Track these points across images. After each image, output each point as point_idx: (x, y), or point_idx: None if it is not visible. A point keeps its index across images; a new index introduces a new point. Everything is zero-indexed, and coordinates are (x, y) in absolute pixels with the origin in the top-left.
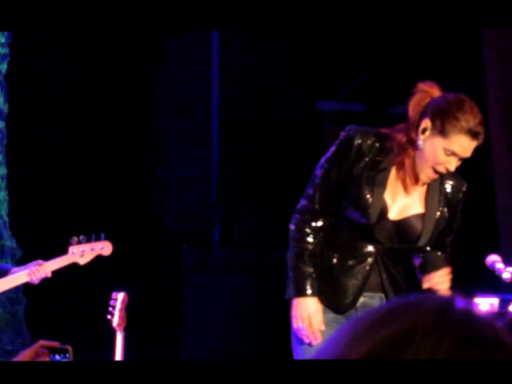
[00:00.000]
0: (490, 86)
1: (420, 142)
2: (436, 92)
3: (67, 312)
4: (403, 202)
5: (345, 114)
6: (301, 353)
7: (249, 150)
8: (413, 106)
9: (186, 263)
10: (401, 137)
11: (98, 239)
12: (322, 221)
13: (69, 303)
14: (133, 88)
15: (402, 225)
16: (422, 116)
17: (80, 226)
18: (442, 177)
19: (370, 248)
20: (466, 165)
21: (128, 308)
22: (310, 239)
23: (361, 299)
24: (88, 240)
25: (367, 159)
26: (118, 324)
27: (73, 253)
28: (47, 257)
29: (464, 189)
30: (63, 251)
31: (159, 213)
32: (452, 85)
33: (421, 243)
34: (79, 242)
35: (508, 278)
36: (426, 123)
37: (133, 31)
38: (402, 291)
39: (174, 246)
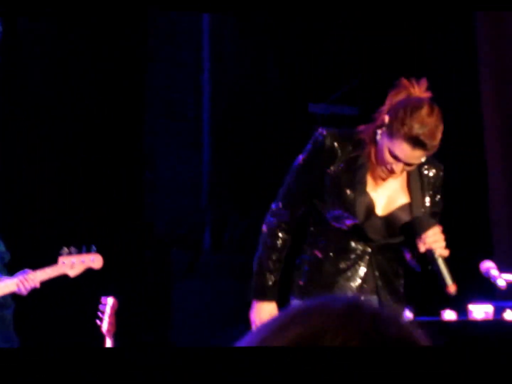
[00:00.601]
0: (485, 106)
1: (378, 137)
2: (416, 91)
3: (56, 316)
4: (386, 196)
5: (337, 117)
6: None
7: (240, 153)
8: (389, 99)
9: (176, 267)
10: (371, 129)
11: (89, 251)
12: (296, 225)
13: (58, 307)
14: (122, 90)
15: (391, 219)
16: (387, 111)
17: (70, 228)
18: (419, 164)
19: (363, 248)
20: (461, 171)
21: (118, 313)
22: (280, 245)
23: None
24: (79, 252)
25: (342, 158)
26: (107, 330)
27: (63, 263)
28: (36, 262)
29: (442, 173)
30: (52, 259)
31: (148, 216)
32: (446, 91)
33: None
34: (70, 253)
35: (503, 285)
36: (385, 119)
37: (122, 30)
38: (396, 294)
39: (163, 250)
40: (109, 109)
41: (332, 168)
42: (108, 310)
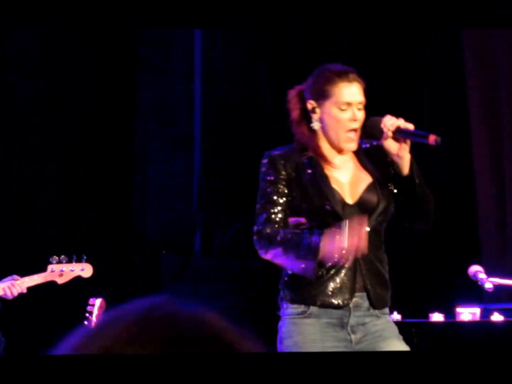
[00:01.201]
0: (472, 104)
1: (316, 123)
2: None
3: (43, 317)
4: (348, 184)
5: None
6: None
7: (231, 157)
8: (292, 108)
9: (166, 271)
10: (302, 130)
11: (79, 260)
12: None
13: (46, 308)
14: (113, 95)
15: (363, 203)
16: (302, 105)
17: (60, 231)
18: (358, 147)
19: None
20: (449, 176)
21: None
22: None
23: (354, 299)
24: (69, 261)
25: (294, 168)
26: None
27: (52, 271)
28: (25, 268)
29: (375, 142)
30: (42, 265)
31: (139, 220)
32: (433, 91)
33: (381, 206)
34: (59, 262)
35: (490, 288)
36: (310, 104)
37: (114, 36)
38: (383, 282)
39: (154, 253)
40: (100, 114)
41: (292, 180)
42: (96, 311)
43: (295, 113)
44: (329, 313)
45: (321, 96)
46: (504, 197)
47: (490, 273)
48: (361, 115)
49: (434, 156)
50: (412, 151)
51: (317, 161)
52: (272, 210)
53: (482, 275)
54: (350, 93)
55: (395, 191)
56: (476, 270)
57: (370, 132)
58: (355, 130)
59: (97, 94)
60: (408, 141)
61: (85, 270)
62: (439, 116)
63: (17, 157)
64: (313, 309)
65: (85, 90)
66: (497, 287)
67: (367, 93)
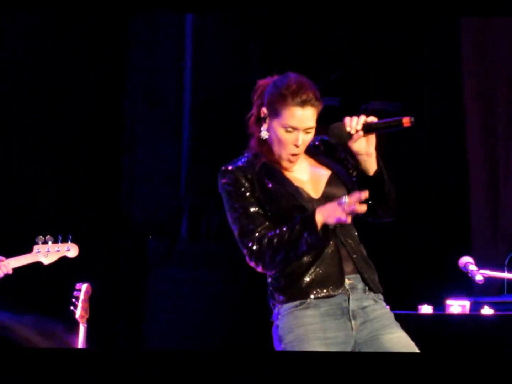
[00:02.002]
0: (467, 95)
1: (264, 132)
2: (274, 78)
3: (30, 303)
4: (309, 180)
5: None
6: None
7: (220, 141)
8: (254, 101)
9: (152, 255)
10: (255, 137)
11: (65, 240)
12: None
13: (32, 293)
14: (102, 76)
15: (328, 196)
16: (259, 108)
17: (46, 214)
18: (314, 145)
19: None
20: (442, 166)
21: (92, 300)
22: (273, 231)
23: (348, 282)
24: (55, 241)
25: (254, 176)
26: (81, 316)
27: (38, 252)
28: (10, 250)
29: (326, 137)
30: (27, 247)
31: (125, 203)
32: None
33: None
34: (45, 242)
35: (481, 280)
36: (263, 112)
37: (103, 15)
38: (367, 262)
39: (140, 238)
40: (88, 95)
41: (256, 189)
42: (82, 296)
43: (254, 110)
44: (327, 301)
45: (272, 111)
46: (497, 189)
47: (481, 265)
48: (308, 138)
49: (427, 149)
50: (403, 143)
51: (273, 166)
52: (254, 223)
53: (472, 267)
54: (299, 118)
55: (354, 178)
56: (466, 261)
57: (336, 140)
58: (295, 154)
59: (85, 75)
60: (374, 135)
61: (70, 250)
62: (434, 107)
63: (2, 137)
64: (310, 300)
65: (73, 71)
66: (488, 280)
67: (326, 114)
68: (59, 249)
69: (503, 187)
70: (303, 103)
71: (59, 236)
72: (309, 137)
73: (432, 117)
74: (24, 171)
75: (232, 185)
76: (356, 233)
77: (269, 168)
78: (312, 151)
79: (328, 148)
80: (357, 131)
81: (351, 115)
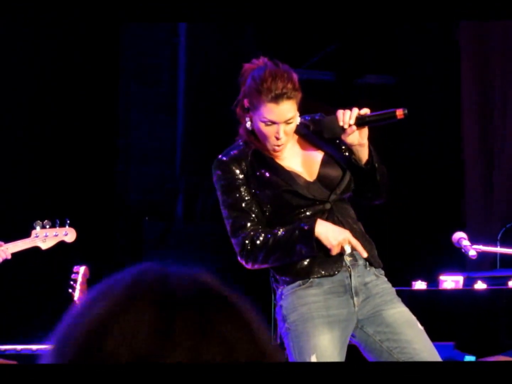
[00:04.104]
0: (464, 86)
1: (249, 123)
2: (259, 63)
3: (28, 286)
4: (301, 163)
5: (313, 83)
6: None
7: (215, 121)
8: (241, 91)
9: (148, 236)
10: (243, 125)
11: (62, 225)
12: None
13: (30, 277)
14: (95, 55)
15: (323, 177)
16: (243, 98)
17: (43, 196)
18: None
19: (321, 208)
20: (436, 144)
21: (90, 282)
22: (269, 233)
23: (348, 258)
24: (53, 226)
25: (247, 165)
26: (79, 298)
27: (36, 236)
28: (8, 235)
29: (317, 117)
30: (25, 234)
31: (121, 185)
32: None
33: (345, 180)
34: (43, 227)
35: (474, 256)
36: (245, 103)
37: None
38: (366, 237)
39: (136, 219)
40: (82, 74)
41: (249, 177)
42: (80, 278)
43: (241, 96)
44: (329, 279)
45: (251, 105)
46: (490, 166)
47: (474, 240)
48: (290, 128)
49: (421, 128)
50: (397, 122)
51: (264, 153)
52: (247, 218)
53: (466, 242)
54: (276, 113)
55: (347, 154)
56: (460, 236)
57: (330, 134)
58: (279, 146)
59: (79, 55)
60: (366, 126)
61: (68, 235)
62: (429, 85)
63: None
64: (312, 279)
65: (67, 53)
66: (481, 255)
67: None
68: (57, 233)
69: (496, 164)
70: (277, 98)
71: (57, 221)
72: (291, 127)
73: (427, 95)
74: (21, 156)
75: (226, 178)
76: (352, 211)
77: (261, 156)
78: (301, 131)
79: (317, 123)
80: (350, 125)
81: (345, 89)
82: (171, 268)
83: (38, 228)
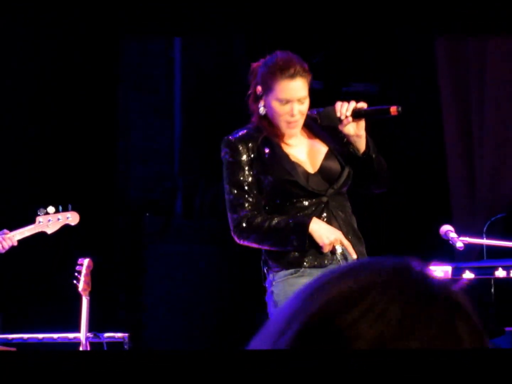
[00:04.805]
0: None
1: (262, 108)
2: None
3: (33, 277)
4: (306, 155)
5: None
6: None
7: (210, 122)
8: (251, 83)
9: (149, 232)
10: (255, 109)
11: (65, 210)
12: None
13: (35, 269)
14: (96, 63)
15: (324, 170)
16: (255, 87)
17: (45, 195)
18: (307, 118)
19: (317, 200)
20: (419, 136)
21: (93, 273)
22: (266, 218)
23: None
24: (56, 211)
25: (254, 148)
26: (83, 289)
27: (40, 222)
28: (13, 226)
29: (321, 109)
30: (29, 221)
31: (122, 183)
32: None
33: (344, 174)
34: (47, 213)
35: (462, 247)
36: (259, 90)
37: (95, 5)
38: (358, 236)
39: (137, 215)
40: (84, 80)
41: (254, 160)
42: (84, 270)
43: (251, 89)
44: (320, 270)
45: (265, 87)
46: (472, 161)
47: (460, 232)
48: (303, 108)
49: (404, 123)
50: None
51: (273, 140)
52: (247, 198)
53: (453, 235)
54: (290, 90)
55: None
56: (447, 229)
57: (328, 123)
58: (294, 122)
59: (80, 62)
60: (363, 119)
61: (71, 218)
62: (409, 84)
63: (3, 112)
64: (304, 269)
65: (68, 58)
66: (468, 246)
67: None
68: (60, 217)
69: (478, 159)
70: (291, 76)
71: (60, 206)
72: (304, 107)
73: (408, 92)
74: (23, 156)
75: (232, 156)
76: (348, 204)
77: (270, 143)
78: (310, 123)
79: (326, 116)
80: (346, 117)
81: (333, 97)
82: (428, 271)
83: (41, 214)
